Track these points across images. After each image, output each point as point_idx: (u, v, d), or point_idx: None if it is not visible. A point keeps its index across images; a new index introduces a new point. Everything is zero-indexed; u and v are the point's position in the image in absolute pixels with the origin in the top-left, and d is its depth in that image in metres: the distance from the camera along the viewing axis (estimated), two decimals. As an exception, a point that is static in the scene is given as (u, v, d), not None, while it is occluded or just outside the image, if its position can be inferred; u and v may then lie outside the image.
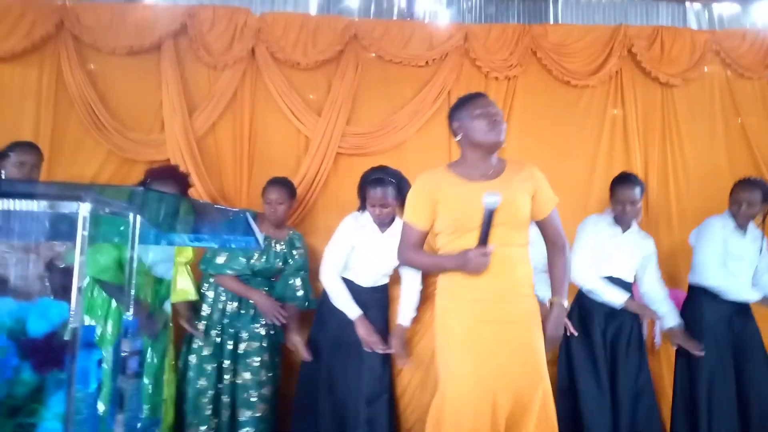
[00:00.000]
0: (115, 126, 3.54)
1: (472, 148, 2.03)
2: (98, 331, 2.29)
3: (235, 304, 2.95)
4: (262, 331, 2.93)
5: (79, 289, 1.10)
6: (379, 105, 3.68)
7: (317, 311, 3.02)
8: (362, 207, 2.90)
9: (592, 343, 2.94)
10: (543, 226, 2.12)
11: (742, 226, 3.00)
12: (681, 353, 3.05)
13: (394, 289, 3.09)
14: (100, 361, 1.17)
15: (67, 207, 1.08)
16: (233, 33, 3.61)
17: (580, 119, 3.73)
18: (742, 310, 2.98)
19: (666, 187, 3.68)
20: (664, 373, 3.40)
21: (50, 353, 1.12)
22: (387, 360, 2.92)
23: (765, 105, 3.77)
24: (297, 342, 2.89)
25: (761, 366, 2.94)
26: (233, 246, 1.49)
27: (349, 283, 2.88)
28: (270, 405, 2.93)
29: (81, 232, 1.07)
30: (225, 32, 3.61)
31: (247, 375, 2.86)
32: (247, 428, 2.84)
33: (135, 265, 1.28)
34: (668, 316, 2.99)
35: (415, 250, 2.07)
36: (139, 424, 1.27)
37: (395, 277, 3.04)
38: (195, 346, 2.91)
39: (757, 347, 2.98)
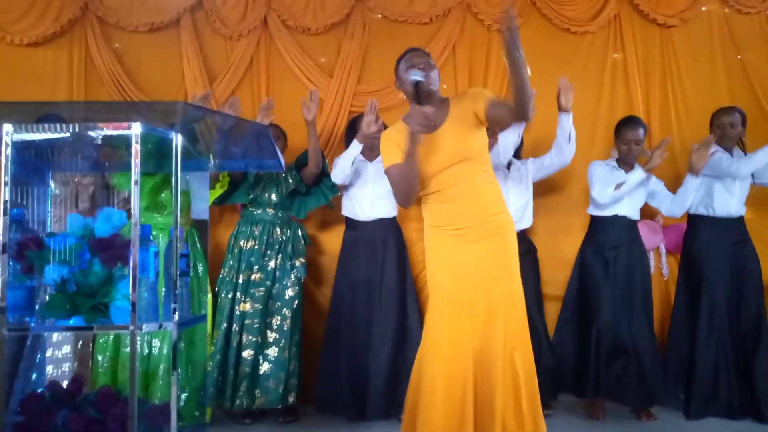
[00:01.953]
0: (142, 99, 3.80)
1: (411, 100, 2.14)
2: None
3: (251, 242, 3.20)
4: (272, 264, 3.18)
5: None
6: (388, 63, 3.77)
7: (338, 259, 3.28)
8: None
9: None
10: (491, 114, 2.09)
11: (727, 150, 3.19)
12: (681, 279, 3.30)
13: (408, 232, 3.38)
14: (156, 254, 1.41)
15: (120, 128, 1.31)
16: (246, 4, 3.83)
17: (581, 65, 3.86)
18: (739, 232, 3.15)
19: (668, 125, 3.79)
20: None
21: (115, 250, 1.36)
22: (412, 298, 3.19)
23: (764, 39, 3.85)
24: None
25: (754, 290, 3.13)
26: (259, 169, 1.71)
27: (350, 221, 3.26)
28: (284, 336, 3.10)
29: (135, 147, 1.30)
30: (238, 4, 3.83)
31: (249, 305, 3.09)
32: (259, 359, 3.07)
33: (179, 184, 1.51)
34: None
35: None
36: (188, 315, 1.51)
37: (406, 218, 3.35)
38: (222, 292, 3.16)
39: (752, 271, 3.16)
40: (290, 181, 3.29)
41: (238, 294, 3.10)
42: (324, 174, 3.34)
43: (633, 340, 3.04)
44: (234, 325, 3.06)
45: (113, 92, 3.81)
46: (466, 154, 2.12)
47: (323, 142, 3.75)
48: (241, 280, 3.13)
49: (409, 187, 2.08)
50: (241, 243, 3.19)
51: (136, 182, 1.30)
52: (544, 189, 3.57)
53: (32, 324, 1.37)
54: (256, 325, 3.06)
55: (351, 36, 3.82)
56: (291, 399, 3.07)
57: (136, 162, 1.28)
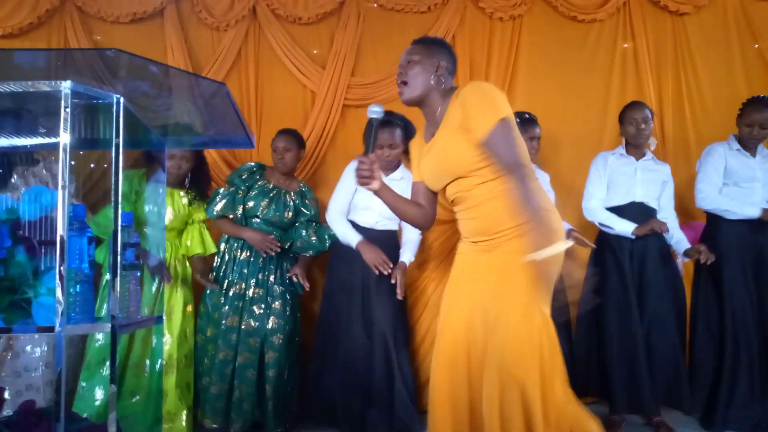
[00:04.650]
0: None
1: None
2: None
3: (246, 252, 2.95)
4: (271, 279, 2.93)
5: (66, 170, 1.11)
6: (384, 54, 3.65)
7: (329, 264, 3.04)
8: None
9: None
10: (486, 149, 1.71)
11: (749, 148, 2.94)
12: (699, 278, 3.05)
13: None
14: (90, 239, 1.17)
15: (49, 86, 1.09)
16: (233, -7, 3.62)
17: (589, 56, 3.64)
18: (760, 228, 2.91)
19: (682, 118, 3.57)
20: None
21: (42, 235, 1.13)
22: (401, 308, 2.94)
23: (784, 27, 3.64)
24: (297, 272, 2.90)
25: None
26: (226, 146, 1.48)
27: (354, 225, 2.91)
28: (281, 354, 2.86)
29: (64, 109, 1.07)
30: (225, -8, 3.62)
31: (252, 322, 2.86)
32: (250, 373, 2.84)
33: (121, 162, 1.27)
34: (681, 242, 2.98)
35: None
36: (139, 317, 1.27)
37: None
38: (208, 299, 2.93)
39: None
40: (297, 203, 3.04)
41: (239, 306, 2.88)
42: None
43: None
44: (238, 342, 2.84)
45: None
46: (454, 173, 1.79)
47: (315, 137, 3.53)
48: (233, 293, 2.89)
49: (400, 216, 2.00)
50: (236, 252, 2.95)
51: (65, 150, 1.07)
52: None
53: (-60, 325, 1.13)
54: (260, 343, 2.85)
55: (344, 26, 3.61)
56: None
57: (65, 124, 1.06)
